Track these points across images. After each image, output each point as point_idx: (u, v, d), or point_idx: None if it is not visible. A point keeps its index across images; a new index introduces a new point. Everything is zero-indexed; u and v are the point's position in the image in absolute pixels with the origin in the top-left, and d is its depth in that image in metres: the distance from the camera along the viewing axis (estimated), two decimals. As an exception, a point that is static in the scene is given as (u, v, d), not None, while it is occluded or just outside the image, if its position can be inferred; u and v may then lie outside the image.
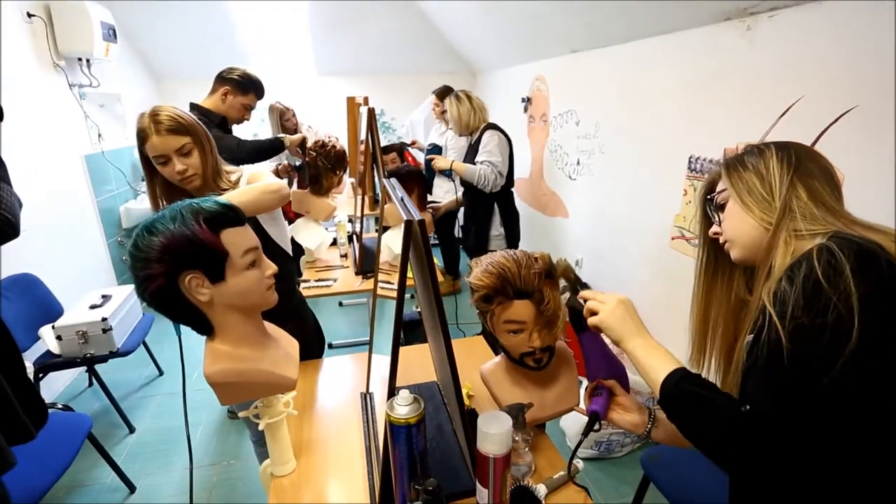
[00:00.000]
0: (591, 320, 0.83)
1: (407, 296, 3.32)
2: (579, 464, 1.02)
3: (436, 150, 2.80)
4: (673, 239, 2.14)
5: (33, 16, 2.63)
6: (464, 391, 1.27)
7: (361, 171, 2.41)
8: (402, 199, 0.87)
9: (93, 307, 2.22)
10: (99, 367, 2.24)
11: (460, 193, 2.93)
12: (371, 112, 2.01)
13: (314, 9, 3.98)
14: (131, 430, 2.31)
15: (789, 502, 0.70)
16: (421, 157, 4.08)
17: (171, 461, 2.12)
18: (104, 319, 2.13)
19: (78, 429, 1.67)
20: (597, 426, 0.91)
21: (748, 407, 0.63)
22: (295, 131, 3.58)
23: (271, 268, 0.90)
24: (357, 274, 2.19)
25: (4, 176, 1.04)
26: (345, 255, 2.38)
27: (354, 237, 2.41)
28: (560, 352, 1.11)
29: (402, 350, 1.67)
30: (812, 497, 0.67)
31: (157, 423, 2.38)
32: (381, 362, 1.40)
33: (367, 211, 2.60)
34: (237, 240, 0.84)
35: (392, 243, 2.18)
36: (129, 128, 3.69)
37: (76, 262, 2.82)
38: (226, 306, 0.87)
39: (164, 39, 3.97)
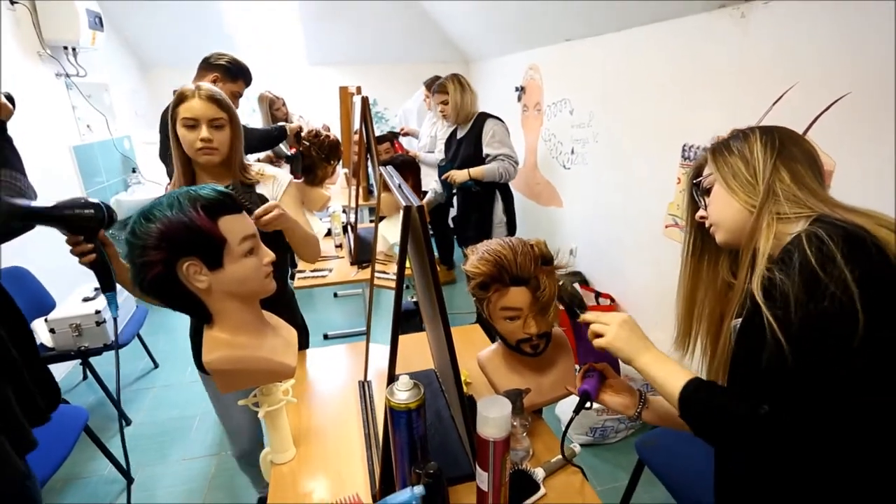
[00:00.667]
0: (596, 343, 0.84)
1: (390, 277, 3.32)
2: (576, 447, 1.04)
3: (450, 165, 2.76)
4: (667, 227, 2.16)
5: (16, 2, 2.57)
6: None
7: (355, 162, 2.40)
8: (399, 186, 0.87)
9: (86, 300, 2.20)
10: (93, 360, 2.22)
11: (438, 188, 2.93)
12: (365, 101, 2.00)
13: (305, 3, 3.92)
14: (128, 422, 2.31)
15: (792, 485, 0.72)
16: (411, 145, 4.06)
17: (167, 452, 2.12)
18: (98, 312, 2.11)
19: (75, 421, 1.67)
20: (588, 405, 0.92)
21: (766, 408, 0.64)
22: (285, 121, 3.55)
23: (269, 255, 0.90)
24: (352, 264, 2.19)
25: (19, 167, 1.04)
26: (339, 246, 2.38)
27: (349, 227, 2.40)
28: (556, 338, 1.12)
29: (399, 339, 1.68)
30: (831, 485, 0.69)
31: (154, 415, 2.38)
32: (379, 351, 1.41)
33: (361, 201, 2.60)
34: (235, 227, 0.83)
35: (388, 233, 2.17)
36: (118, 118, 3.63)
37: (67, 255, 2.78)
38: (224, 293, 0.87)
39: (151, 27, 3.90)
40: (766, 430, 0.63)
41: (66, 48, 2.96)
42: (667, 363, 0.78)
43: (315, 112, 4.25)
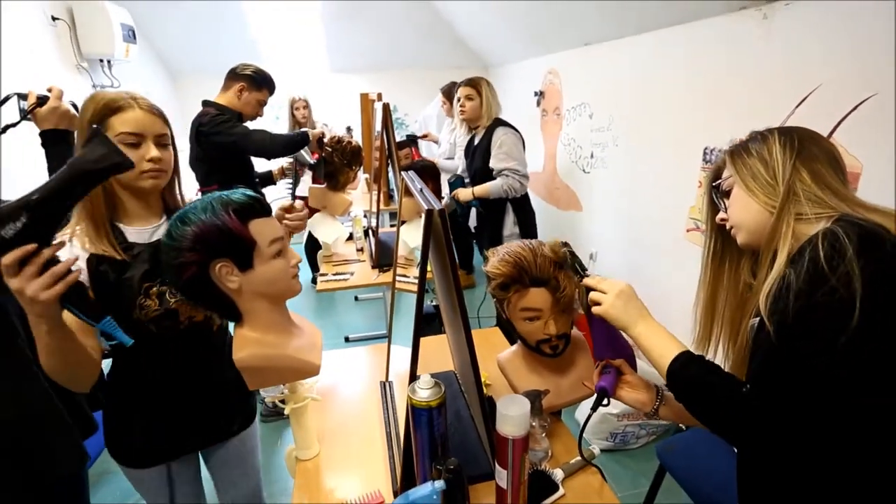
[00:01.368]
0: (594, 310, 0.85)
1: (413, 281, 3.35)
2: (595, 449, 1.05)
3: (459, 181, 2.76)
4: (688, 231, 2.14)
5: (57, 19, 2.70)
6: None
7: (376, 167, 2.44)
8: (421, 190, 0.89)
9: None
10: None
11: (448, 199, 2.87)
12: (386, 108, 2.04)
13: (326, 6, 4.01)
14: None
15: (793, 479, 0.72)
16: (429, 152, 4.10)
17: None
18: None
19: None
20: (606, 402, 0.92)
21: (749, 386, 0.65)
22: (305, 124, 3.62)
23: (296, 257, 0.93)
24: (373, 267, 2.23)
25: None
26: (361, 250, 2.42)
27: (370, 232, 2.45)
28: (576, 340, 1.13)
29: (420, 340, 1.70)
30: (816, 472, 0.69)
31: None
32: (400, 353, 1.43)
33: (381, 206, 2.64)
34: (264, 229, 0.87)
35: (408, 237, 2.21)
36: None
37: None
38: (254, 294, 0.90)
39: (180, 38, 4.03)
40: (745, 410, 0.65)
41: (101, 61, 3.10)
42: (661, 334, 0.79)
43: (337, 118, 4.33)
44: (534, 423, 1.02)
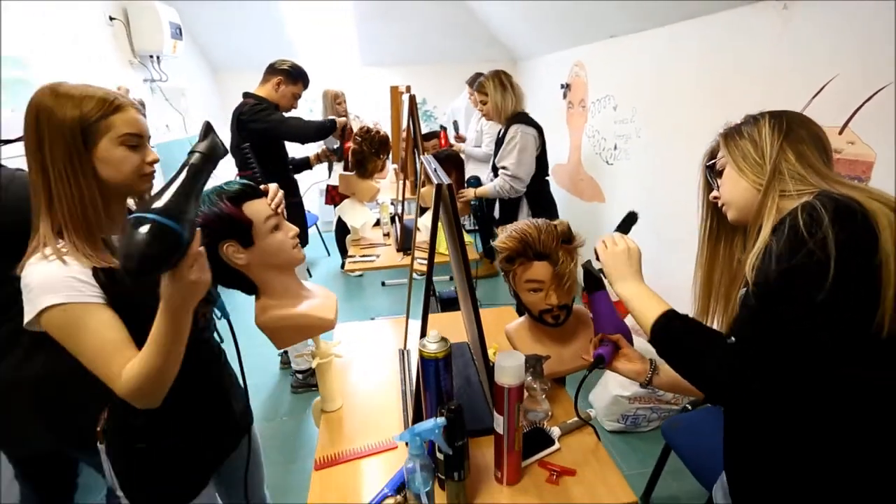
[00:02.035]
0: (602, 250, 0.94)
1: (445, 277, 3.47)
2: (592, 411, 1.13)
3: (475, 181, 2.84)
4: (706, 220, 2.16)
5: (114, 19, 2.93)
6: (490, 351, 1.39)
7: (403, 157, 2.56)
8: (434, 170, 1.00)
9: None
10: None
11: (486, 182, 2.92)
12: (412, 99, 2.15)
13: (359, 6, 4.15)
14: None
15: (774, 442, 0.78)
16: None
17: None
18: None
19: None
20: (602, 366, 1.00)
21: (733, 339, 0.72)
22: (345, 116, 3.79)
23: (293, 229, 1.06)
24: (398, 251, 2.35)
25: None
26: (387, 234, 2.55)
27: (396, 218, 2.57)
28: (578, 313, 1.21)
29: (439, 317, 1.82)
30: (794, 435, 0.75)
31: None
32: (418, 326, 1.54)
33: (408, 195, 2.76)
34: (258, 209, 1.00)
35: (429, 223, 2.31)
36: (192, 118, 4.01)
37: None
38: (262, 266, 1.03)
39: (222, 35, 4.26)
40: (726, 362, 0.70)
41: (151, 56, 3.33)
42: (649, 295, 0.85)
43: (368, 110, 4.48)
44: (535, 386, 1.11)
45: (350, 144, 2.55)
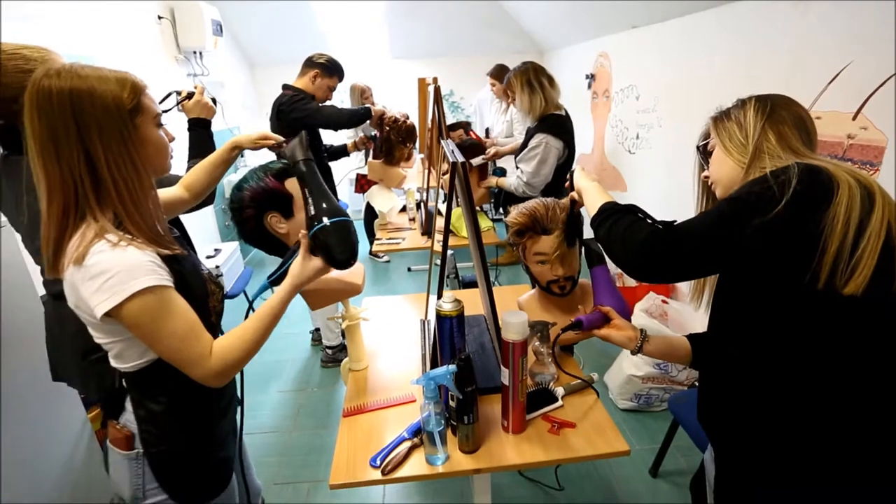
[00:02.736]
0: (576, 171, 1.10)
1: (469, 263, 3.58)
2: (595, 375, 1.23)
3: (500, 171, 2.89)
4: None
5: (162, 18, 3.15)
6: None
7: (429, 146, 2.68)
8: (452, 151, 1.11)
9: (208, 257, 2.70)
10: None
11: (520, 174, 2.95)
12: (437, 90, 2.26)
13: (391, 5, 4.28)
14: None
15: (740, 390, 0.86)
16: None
17: (267, 386, 2.56)
18: (217, 267, 2.60)
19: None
20: (576, 332, 1.10)
21: (661, 226, 0.82)
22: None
23: None
24: (422, 234, 2.48)
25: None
26: (412, 219, 2.68)
27: (422, 204, 2.70)
28: (584, 286, 1.31)
29: (460, 293, 1.93)
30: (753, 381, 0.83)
31: (256, 357, 2.85)
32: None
33: (433, 183, 2.88)
34: (297, 185, 1.13)
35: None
36: (231, 111, 4.23)
37: (191, 224, 3.37)
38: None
39: (258, 30, 4.47)
40: (658, 233, 0.80)
41: (195, 52, 3.55)
42: (604, 192, 1.00)
43: (397, 102, 4.61)
44: (542, 350, 1.22)
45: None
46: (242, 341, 0.85)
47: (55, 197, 0.75)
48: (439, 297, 1.09)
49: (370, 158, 2.75)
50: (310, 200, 0.92)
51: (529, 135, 2.42)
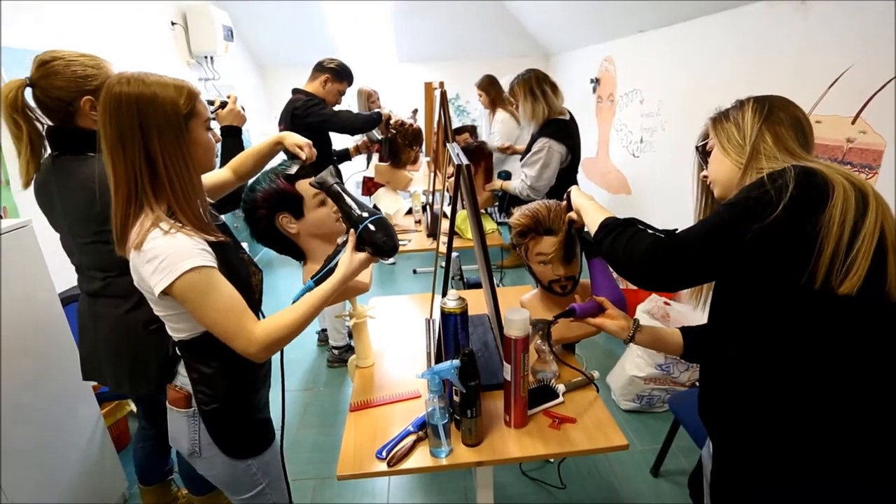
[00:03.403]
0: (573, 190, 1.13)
1: (474, 266, 3.61)
2: (595, 373, 1.26)
3: (504, 174, 2.93)
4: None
5: (175, 24, 3.22)
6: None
7: (435, 150, 2.72)
8: (457, 154, 1.15)
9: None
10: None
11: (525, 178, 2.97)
12: (444, 94, 2.30)
13: (396, 5, 4.33)
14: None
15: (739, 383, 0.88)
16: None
17: (274, 385, 2.60)
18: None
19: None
20: (570, 320, 1.13)
21: (663, 236, 0.83)
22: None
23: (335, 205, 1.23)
24: (428, 236, 2.52)
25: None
26: (418, 221, 2.72)
27: (428, 207, 2.74)
28: (585, 285, 1.34)
29: (465, 293, 1.96)
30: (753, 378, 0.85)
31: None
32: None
33: (438, 186, 2.92)
34: (307, 187, 1.18)
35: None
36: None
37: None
38: (310, 236, 1.22)
39: (267, 34, 4.55)
40: (661, 242, 0.82)
41: (206, 57, 3.62)
42: (603, 209, 1.02)
43: (403, 106, 4.66)
44: (544, 348, 1.25)
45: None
46: (291, 321, 0.94)
47: (120, 188, 0.87)
48: (444, 292, 1.12)
49: (374, 161, 2.80)
50: (351, 206, 1.03)
51: (533, 139, 2.46)
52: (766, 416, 0.85)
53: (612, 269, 1.17)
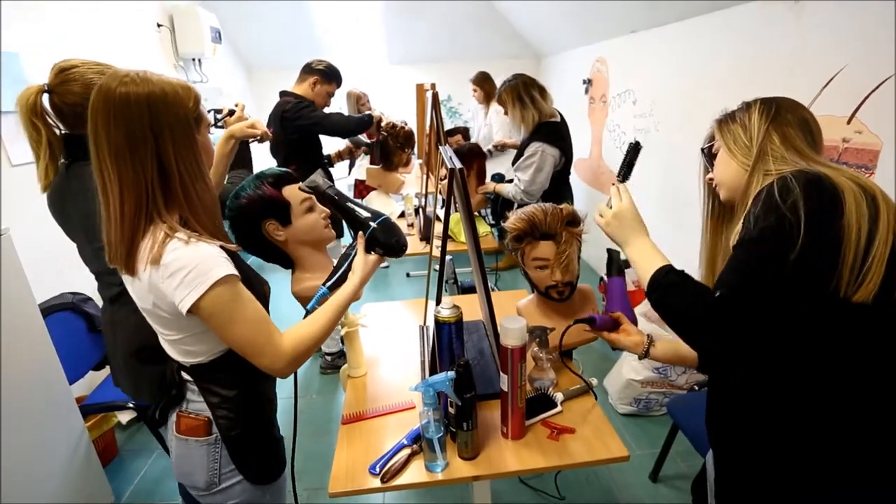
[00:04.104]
0: (596, 220, 1.02)
1: (468, 269, 3.58)
2: (593, 380, 1.23)
3: (499, 176, 2.91)
4: (721, 211, 2.21)
5: (161, 25, 3.16)
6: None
7: (427, 152, 2.68)
8: (450, 158, 1.11)
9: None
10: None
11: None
12: (435, 96, 2.27)
13: (388, 5, 4.30)
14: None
15: (751, 401, 0.85)
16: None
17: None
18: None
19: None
20: (587, 329, 1.11)
21: (718, 294, 0.77)
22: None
23: (325, 211, 1.19)
24: (421, 240, 2.48)
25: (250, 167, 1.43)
26: (411, 225, 2.68)
27: (420, 210, 2.70)
28: (584, 292, 1.31)
29: (458, 298, 1.93)
30: (768, 392, 0.82)
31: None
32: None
33: (431, 189, 2.88)
34: (294, 192, 1.14)
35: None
36: (230, 117, 4.24)
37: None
38: (298, 242, 1.18)
39: (256, 36, 4.49)
40: (710, 306, 0.77)
41: (194, 59, 3.56)
42: (651, 251, 0.90)
43: (394, 108, 4.63)
44: (541, 355, 1.22)
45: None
46: (315, 330, 0.90)
47: (128, 199, 0.78)
48: (438, 303, 1.09)
49: (357, 167, 2.75)
50: (354, 209, 1.03)
51: (525, 144, 2.43)
52: (775, 429, 0.82)
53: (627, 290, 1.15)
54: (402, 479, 1.00)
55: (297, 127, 2.41)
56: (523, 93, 2.35)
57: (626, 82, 3.12)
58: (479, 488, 1.12)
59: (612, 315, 1.14)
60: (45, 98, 1.12)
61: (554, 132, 2.38)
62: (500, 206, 3.61)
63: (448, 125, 4.89)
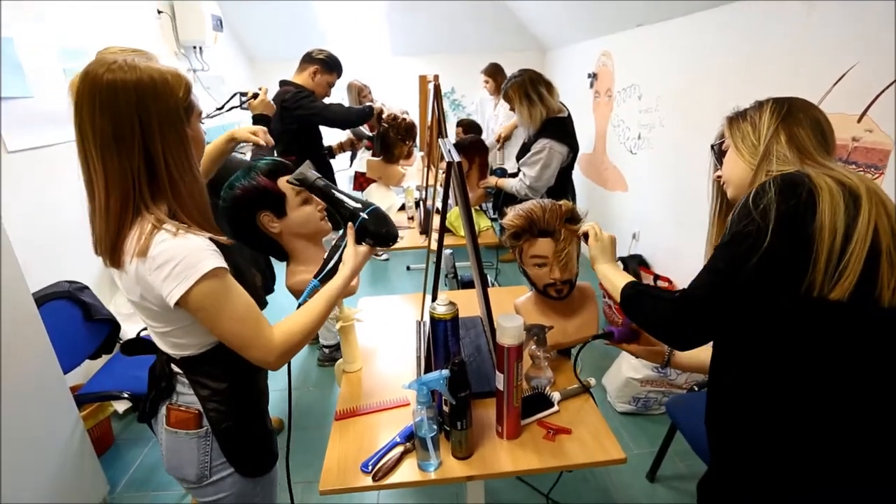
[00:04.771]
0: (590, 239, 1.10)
1: (466, 263, 3.56)
2: (591, 380, 1.21)
3: (500, 171, 2.88)
4: (725, 209, 2.18)
5: (161, 12, 3.12)
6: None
7: (429, 145, 2.65)
8: (449, 151, 1.08)
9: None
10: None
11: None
12: (437, 87, 2.23)
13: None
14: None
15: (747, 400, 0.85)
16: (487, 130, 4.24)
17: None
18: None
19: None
20: (606, 342, 1.12)
21: (678, 294, 0.83)
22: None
23: (320, 203, 1.17)
24: (421, 233, 2.46)
25: None
26: (411, 218, 2.66)
27: (421, 203, 2.67)
28: (583, 288, 1.28)
29: (457, 293, 1.91)
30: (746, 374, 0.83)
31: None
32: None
33: (432, 181, 2.85)
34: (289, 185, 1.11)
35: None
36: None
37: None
38: (293, 235, 1.16)
39: (258, 25, 4.44)
40: (676, 306, 0.82)
41: (194, 47, 3.52)
42: (620, 271, 1.03)
43: (397, 100, 4.59)
44: (539, 354, 1.19)
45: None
46: (306, 323, 0.89)
47: (114, 192, 0.75)
48: (434, 296, 1.07)
49: (359, 159, 2.73)
50: (343, 200, 1.01)
51: (532, 140, 2.39)
52: (765, 427, 0.82)
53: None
54: (395, 478, 0.98)
55: (297, 117, 2.38)
56: (530, 89, 2.30)
57: (632, 77, 3.07)
58: (473, 488, 1.10)
59: (631, 326, 1.13)
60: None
61: (561, 129, 2.34)
62: (502, 202, 3.58)
63: (450, 118, 4.85)
